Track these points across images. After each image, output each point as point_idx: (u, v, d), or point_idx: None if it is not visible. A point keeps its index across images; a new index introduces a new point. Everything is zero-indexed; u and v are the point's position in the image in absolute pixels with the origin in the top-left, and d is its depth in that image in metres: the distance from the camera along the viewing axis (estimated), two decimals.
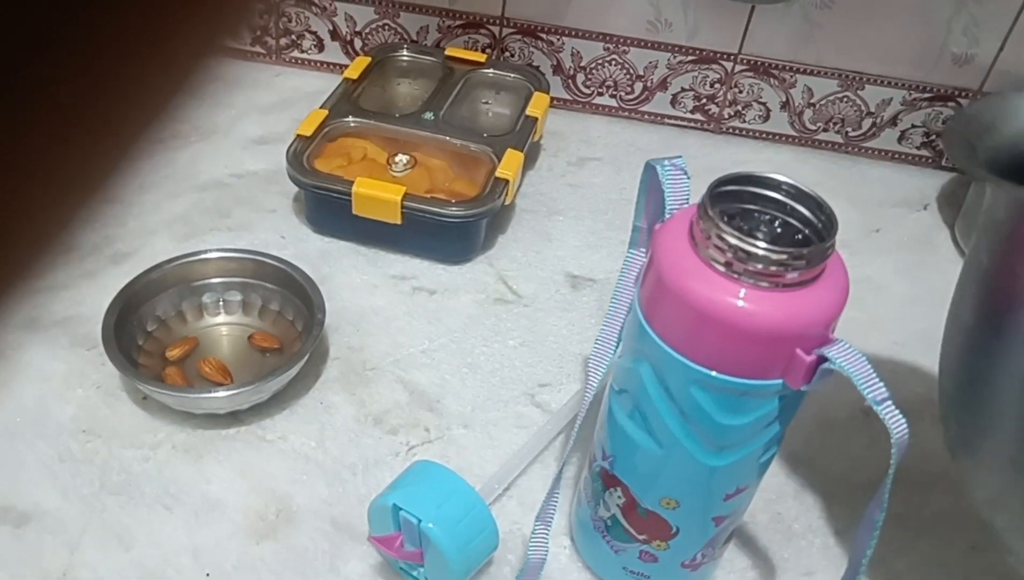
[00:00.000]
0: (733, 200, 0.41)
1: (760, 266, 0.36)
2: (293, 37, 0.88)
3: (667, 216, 0.43)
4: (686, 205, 0.43)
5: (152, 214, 0.71)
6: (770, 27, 0.79)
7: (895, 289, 0.73)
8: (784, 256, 0.36)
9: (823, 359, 0.37)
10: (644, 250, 0.48)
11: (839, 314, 0.39)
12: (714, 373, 0.38)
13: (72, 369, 0.59)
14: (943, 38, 0.78)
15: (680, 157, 0.44)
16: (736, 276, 0.37)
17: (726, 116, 0.86)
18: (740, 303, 0.37)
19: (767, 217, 0.41)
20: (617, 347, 0.47)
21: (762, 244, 0.36)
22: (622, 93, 0.86)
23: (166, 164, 0.76)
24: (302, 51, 0.88)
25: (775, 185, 0.41)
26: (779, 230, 0.41)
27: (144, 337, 0.59)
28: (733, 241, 0.37)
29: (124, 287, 0.58)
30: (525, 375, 0.62)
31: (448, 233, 0.66)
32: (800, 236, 0.40)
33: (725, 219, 0.38)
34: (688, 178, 0.44)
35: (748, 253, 0.36)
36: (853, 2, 0.77)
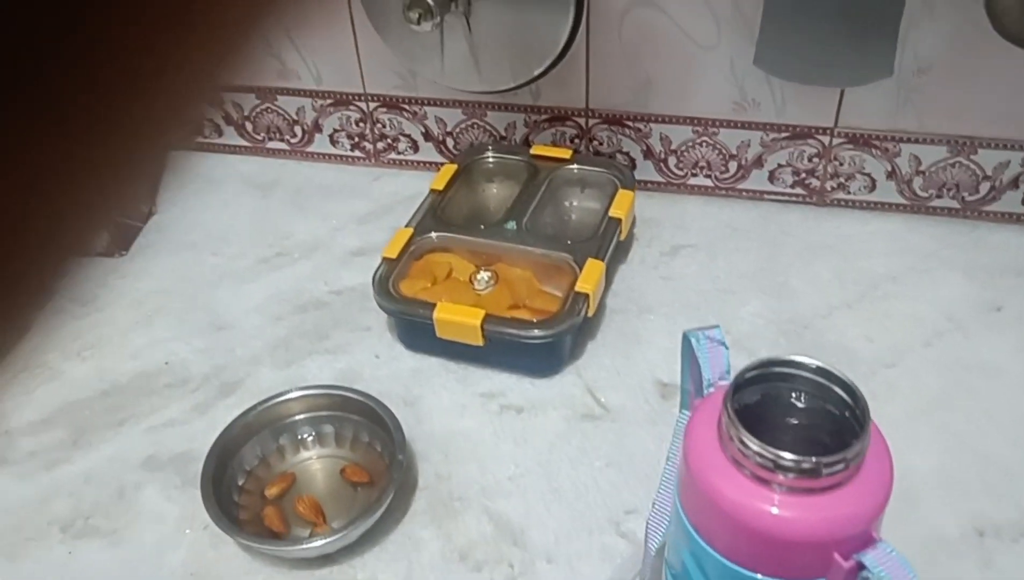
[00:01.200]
0: (762, 382, 0.39)
1: (790, 476, 0.35)
2: (389, 141, 0.90)
3: (706, 389, 0.42)
4: (725, 380, 0.42)
5: (257, 339, 0.75)
6: (865, 98, 0.75)
7: (1015, 373, 0.68)
8: (813, 464, 0.35)
9: (862, 566, 0.35)
10: None
11: (880, 512, 0.36)
12: (750, 572, 0.36)
13: (184, 511, 0.63)
14: None
15: (717, 328, 0.43)
16: (766, 481, 0.36)
17: (828, 188, 0.82)
18: (771, 509, 0.35)
19: (798, 399, 0.39)
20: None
21: (789, 455, 0.35)
22: (716, 173, 0.83)
23: (271, 284, 0.80)
24: (398, 153, 0.91)
25: (804, 367, 0.39)
26: (808, 410, 0.39)
27: (245, 477, 0.63)
28: (757, 449, 0.35)
29: (220, 435, 0.62)
30: (611, 500, 0.61)
31: (532, 351, 0.67)
32: (836, 415, 0.38)
33: (744, 414, 0.37)
34: (726, 350, 0.43)
35: (775, 463, 0.35)
36: (952, 65, 0.72)
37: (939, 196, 0.80)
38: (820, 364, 0.38)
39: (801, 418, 0.39)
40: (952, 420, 0.65)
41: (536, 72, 0.74)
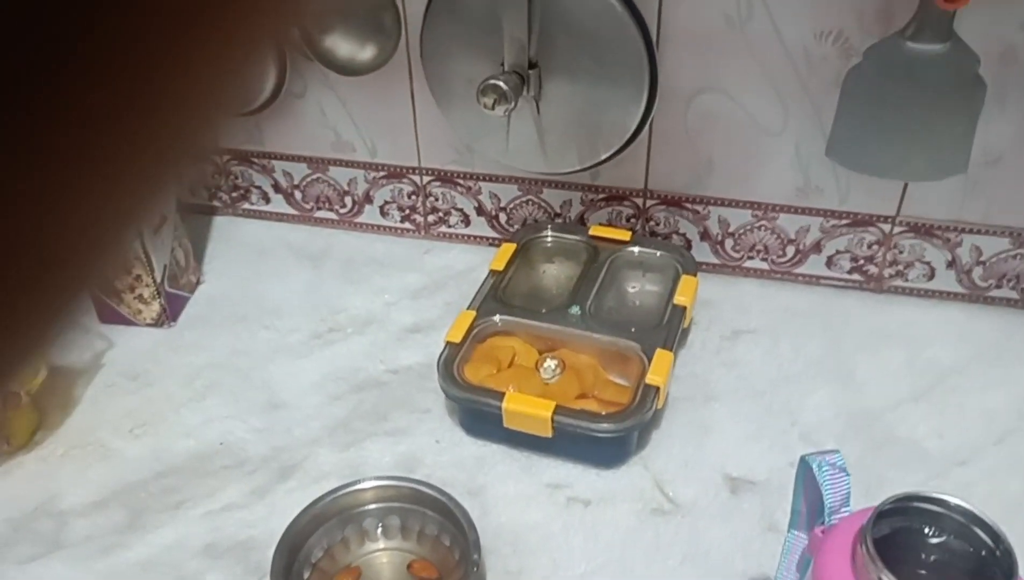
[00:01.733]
0: (899, 514, 0.38)
1: None
2: (440, 214, 0.90)
3: (827, 515, 0.41)
4: (846, 508, 0.41)
5: (314, 419, 0.74)
6: (930, 188, 0.75)
7: None
8: None
9: None
10: (805, 534, 0.45)
11: None
12: None
13: None
14: None
15: (838, 453, 0.42)
16: None
17: (887, 275, 0.82)
18: None
19: (937, 538, 0.38)
20: None
21: None
22: (773, 257, 0.83)
23: (326, 360, 0.79)
24: (449, 226, 0.91)
25: (945, 505, 0.38)
26: (944, 546, 0.38)
27: (310, 570, 0.61)
28: None
29: (288, 526, 0.60)
30: None
31: (600, 443, 0.66)
32: (973, 554, 0.37)
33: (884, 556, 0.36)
34: (847, 476, 0.42)
35: None
36: (1019, 159, 0.72)
37: (998, 286, 0.79)
38: (963, 504, 0.37)
39: (936, 554, 0.37)
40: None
41: (603, 156, 0.74)
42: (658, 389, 0.66)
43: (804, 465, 0.44)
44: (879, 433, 0.70)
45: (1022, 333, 0.78)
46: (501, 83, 0.67)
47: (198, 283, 0.88)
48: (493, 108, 0.68)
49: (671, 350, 0.69)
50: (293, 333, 0.82)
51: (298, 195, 0.93)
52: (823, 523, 0.41)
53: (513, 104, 0.68)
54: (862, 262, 0.81)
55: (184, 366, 0.79)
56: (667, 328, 0.71)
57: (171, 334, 0.82)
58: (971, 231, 0.77)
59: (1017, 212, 0.75)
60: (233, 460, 0.71)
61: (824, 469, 0.42)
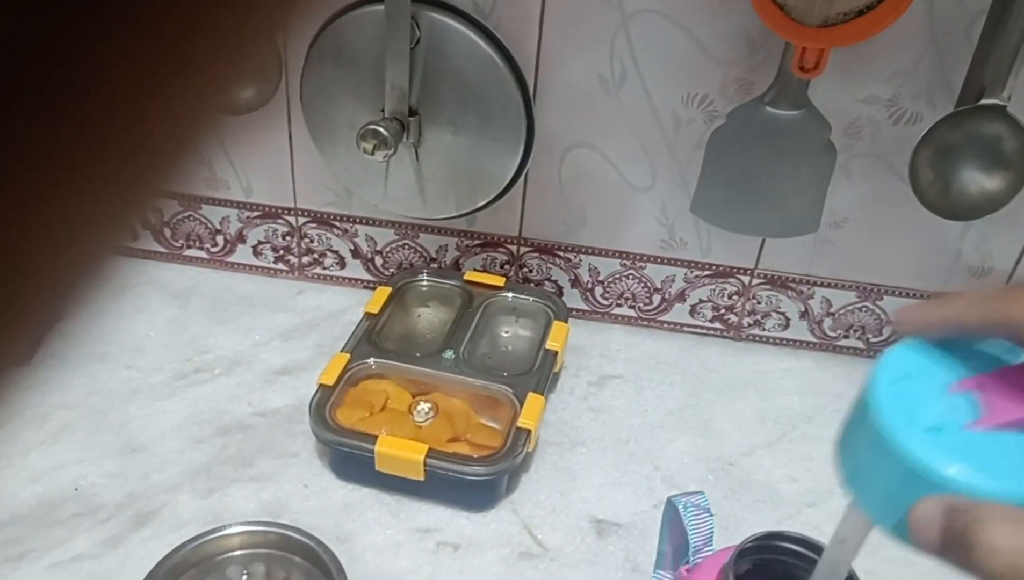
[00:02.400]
0: (757, 553, 0.41)
1: None
2: (315, 255, 0.89)
3: (692, 555, 0.43)
4: (709, 548, 0.43)
5: (175, 464, 0.71)
6: (784, 244, 0.80)
7: None
8: None
9: None
10: (670, 574, 0.47)
11: None
12: None
13: None
14: (956, 253, 0.78)
15: (702, 494, 0.44)
16: None
17: (745, 324, 0.86)
18: None
19: (792, 570, 0.40)
20: None
21: None
22: (640, 304, 0.86)
23: (189, 402, 0.77)
24: (324, 268, 0.90)
25: (807, 544, 0.40)
26: None
27: None
28: None
29: (147, 576, 0.58)
30: None
31: (471, 486, 0.66)
32: None
33: None
34: (711, 516, 0.44)
35: None
36: (864, 221, 0.78)
37: (846, 336, 0.85)
38: (815, 541, 0.40)
39: None
40: (873, 561, 0.67)
41: (480, 204, 0.75)
42: (529, 432, 0.67)
43: (670, 506, 0.46)
44: (736, 477, 0.73)
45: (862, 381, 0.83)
46: (381, 128, 0.68)
47: (55, 320, 0.83)
48: (373, 153, 0.68)
49: (542, 394, 0.70)
50: (155, 373, 0.79)
51: (167, 232, 0.90)
52: (687, 562, 0.42)
53: (393, 150, 0.69)
54: (723, 311, 0.85)
55: (36, 407, 0.75)
56: (539, 373, 0.72)
57: (22, 372, 0.78)
58: (822, 284, 0.82)
59: (861, 269, 0.81)
60: (85, 507, 0.67)
61: (689, 510, 0.44)
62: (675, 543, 0.46)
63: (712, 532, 0.43)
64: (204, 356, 0.82)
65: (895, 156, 0.74)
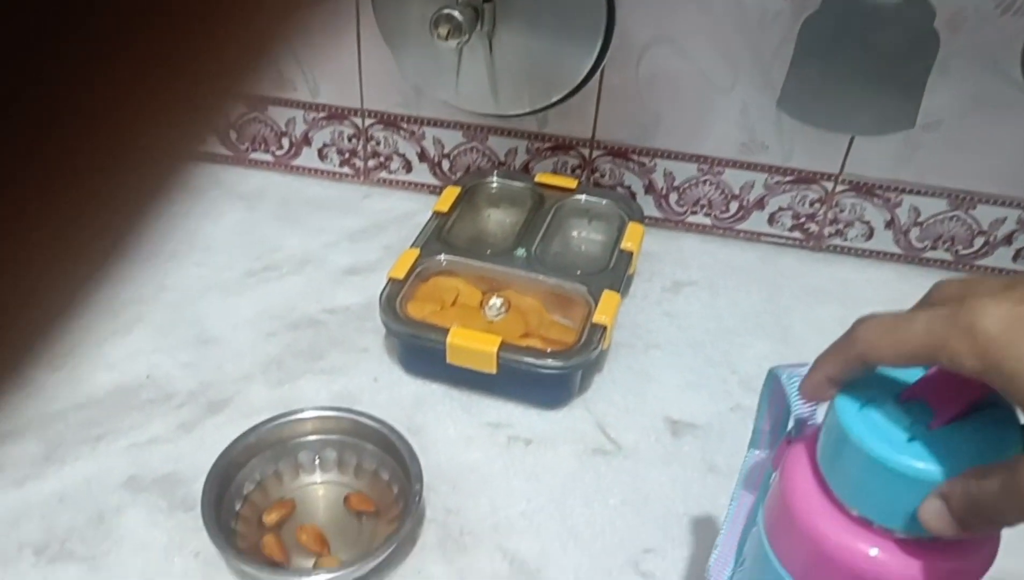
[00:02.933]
0: None
1: None
2: (381, 159, 0.88)
3: (795, 427, 0.41)
4: (814, 420, 0.41)
5: (246, 356, 0.71)
6: (872, 148, 0.76)
7: None
8: None
9: None
10: (766, 453, 0.45)
11: (985, 571, 0.35)
12: None
13: (171, 537, 0.58)
14: None
15: (807, 365, 0.42)
16: (869, 522, 0.34)
17: (826, 234, 0.83)
18: (873, 552, 0.34)
19: None
20: (739, 556, 0.44)
21: None
22: (716, 212, 0.83)
23: (260, 298, 0.76)
24: (390, 172, 0.89)
25: None
26: None
27: (241, 502, 0.58)
28: None
29: (220, 456, 0.58)
30: (628, 540, 0.59)
31: (544, 382, 0.65)
32: None
33: None
34: None
35: None
36: (959, 124, 0.74)
37: (933, 247, 0.81)
38: None
39: None
40: None
41: (554, 99, 0.73)
42: (605, 329, 0.65)
43: (771, 378, 0.43)
44: None
45: None
46: (456, 14, 0.66)
47: (126, 219, 0.84)
48: (447, 39, 0.66)
49: (618, 292, 0.68)
50: (226, 270, 0.79)
51: (233, 135, 0.89)
52: (789, 435, 0.40)
53: (467, 37, 0.67)
54: (803, 220, 0.82)
55: (108, 300, 0.75)
56: (614, 272, 0.70)
57: (95, 267, 0.78)
58: (910, 192, 0.78)
59: (953, 176, 0.77)
60: (159, 394, 0.68)
61: (793, 380, 0.42)
62: (774, 418, 0.44)
63: (816, 409, 0.41)
64: (273, 255, 0.81)
65: (1001, 51, 0.69)
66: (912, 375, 0.37)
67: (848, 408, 0.36)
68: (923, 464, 0.33)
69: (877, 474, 0.34)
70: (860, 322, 0.37)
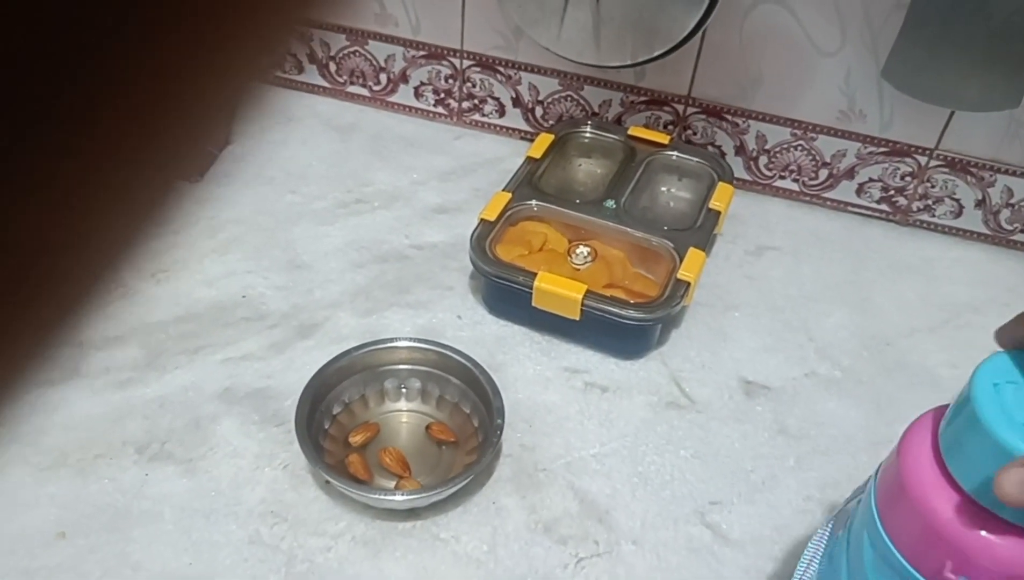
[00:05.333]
0: None
1: None
2: (475, 101, 0.89)
3: None
4: None
5: (336, 284, 0.74)
6: (972, 124, 0.75)
7: None
8: None
9: None
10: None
11: None
12: None
13: (262, 448, 0.61)
14: None
15: None
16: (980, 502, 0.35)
17: (915, 209, 0.82)
18: (983, 533, 0.35)
19: None
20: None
21: None
22: (805, 178, 0.83)
23: (350, 229, 0.79)
24: (483, 115, 0.90)
25: None
26: None
27: (330, 421, 0.61)
28: None
29: (315, 375, 0.60)
30: (696, 491, 0.61)
31: (625, 332, 0.66)
32: None
33: None
34: None
35: None
36: None
37: (1023, 231, 0.80)
38: None
39: None
40: None
41: (656, 53, 0.73)
42: (688, 285, 0.66)
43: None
44: (892, 357, 0.71)
45: None
46: None
47: (227, 144, 0.86)
48: None
49: (704, 250, 0.69)
50: (318, 200, 0.81)
51: (332, 67, 0.91)
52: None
53: None
54: (892, 193, 0.81)
55: (209, 219, 0.78)
56: (701, 230, 0.71)
57: (198, 189, 0.81)
58: (1007, 172, 0.77)
59: None
60: (253, 313, 0.71)
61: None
62: None
63: None
64: (364, 189, 0.83)
65: None
66: None
67: (983, 384, 0.35)
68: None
69: (993, 453, 0.34)
70: None
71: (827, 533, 0.46)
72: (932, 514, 0.36)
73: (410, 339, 0.63)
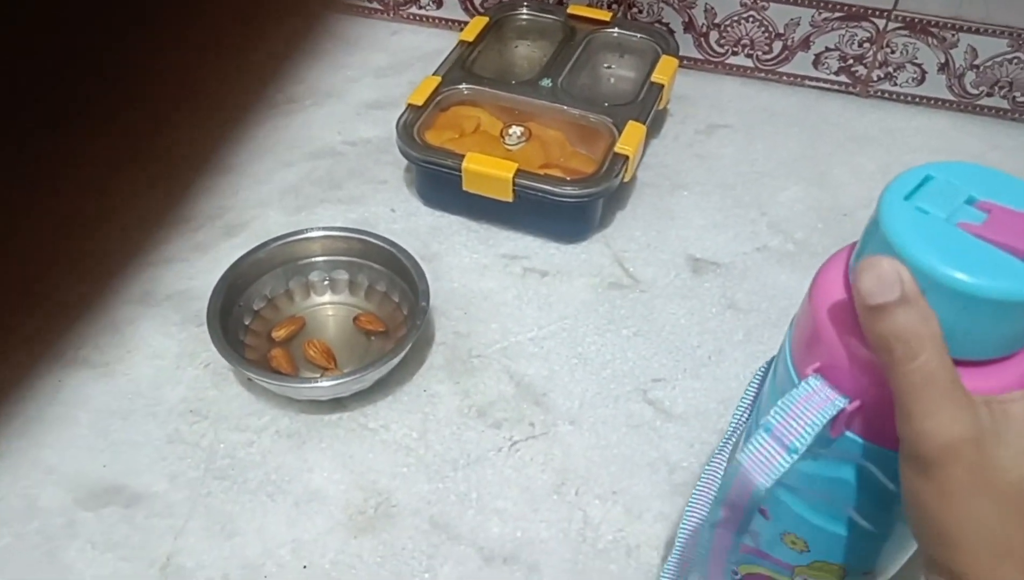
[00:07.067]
0: None
1: None
2: None
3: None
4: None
5: (265, 184, 0.70)
6: None
7: None
8: None
9: None
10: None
11: None
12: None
13: (183, 347, 0.59)
14: None
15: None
16: None
17: (875, 78, 0.78)
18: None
19: None
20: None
21: None
22: (759, 52, 0.79)
23: (280, 129, 0.75)
24: (420, 7, 0.85)
25: None
26: None
27: (251, 317, 0.59)
28: None
29: (229, 268, 0.57)
30: (638, 369, 0.58)
31: (562, 212, 0.63)
32: None
33: None
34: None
35: None
36: None
37: (989, 94, 0.76)
38: None
39: None
40: None
41: None
42: (627, 159, 0.63)
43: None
44: (850, 228, 0.68)
45: (1007, 144, 0.75)
46: None
47: None
48: None
49: (643, 124, 0.65)
50: (245, 101, 0.77)
51: None
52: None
53: None
54: (851, 62, 0.77)
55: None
56: (642, 104, 0.67)
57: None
58: (969, 30, 0.73)
59: (1020, 10, 0.71)
60: (177, 217, 0.68)
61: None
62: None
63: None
64: (295, 87, 0.79)
65: None
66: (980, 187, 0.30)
67: (893, 198, 0.30)
68: (905, 231, 0.29)
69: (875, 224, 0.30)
70: None
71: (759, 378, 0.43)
72: (822, 322, 0.32)
73: (328, 228, 0.60)
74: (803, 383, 0.32)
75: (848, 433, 0.33)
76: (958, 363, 0.29)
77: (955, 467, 0.26)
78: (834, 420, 0.32)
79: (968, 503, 0.26)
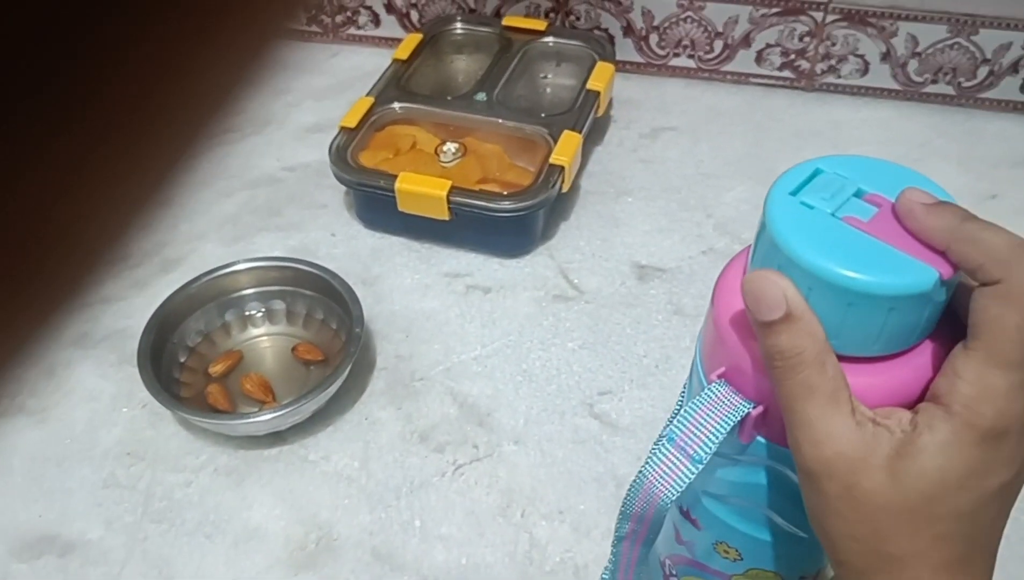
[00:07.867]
0: None
1: None
2: (348, 13, 0.84)
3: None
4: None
5: (203, 216, 0.69)
6: None
7: None
8: None
9: None
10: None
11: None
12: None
13: (119, 388, 0.57)
14: None
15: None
16: None
17: (818, 72, 0.77)
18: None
19: None
20: None
21: None
22: (700, 53, 0.78)
23: (219, 160, 0.74)
24: (358, 27, 0.84)
25: None
26: None
27: (187, 353, 0.57)
28: None
29: (159, 306, 0.56)
30: (584, 382, 0.57)
31: (502, 227, 0.62)
32: None
33: None
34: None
35: None
36: None
37: (934, 81, 0.75)
38: None
39: None
40: None
41: None
42: (563, 169, 0.62)
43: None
44: None
45: (953, 130, 0.74)
46: None
47: None
48: None
49: (579, 133, 0.64)
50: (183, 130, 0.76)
51: None
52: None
53: None
54: (793, 56, 0.77)
55: None
56: (578, 113, 0.66)
57: None
58: (907, 18, 0.72)
59: None
60: (114, 256, 0.66)
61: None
62: None
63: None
64: (234, 118, 0.78)
65: None
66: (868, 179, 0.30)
67: (802, 168, 0.30)
68: (789, 230, 0.28)
69: (800, 278, 0.28)
70: None
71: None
72: (724, 326, 0.31)
73: (257, 259, 0.59)
74: (706, 390, 0.31)
75: (759, 438, 0.32)
76: (849, 360, 0.28)
77: (828, 482, 0.26)
78: (741, 425, 0.31)
79: (841, 515, 0.27)
